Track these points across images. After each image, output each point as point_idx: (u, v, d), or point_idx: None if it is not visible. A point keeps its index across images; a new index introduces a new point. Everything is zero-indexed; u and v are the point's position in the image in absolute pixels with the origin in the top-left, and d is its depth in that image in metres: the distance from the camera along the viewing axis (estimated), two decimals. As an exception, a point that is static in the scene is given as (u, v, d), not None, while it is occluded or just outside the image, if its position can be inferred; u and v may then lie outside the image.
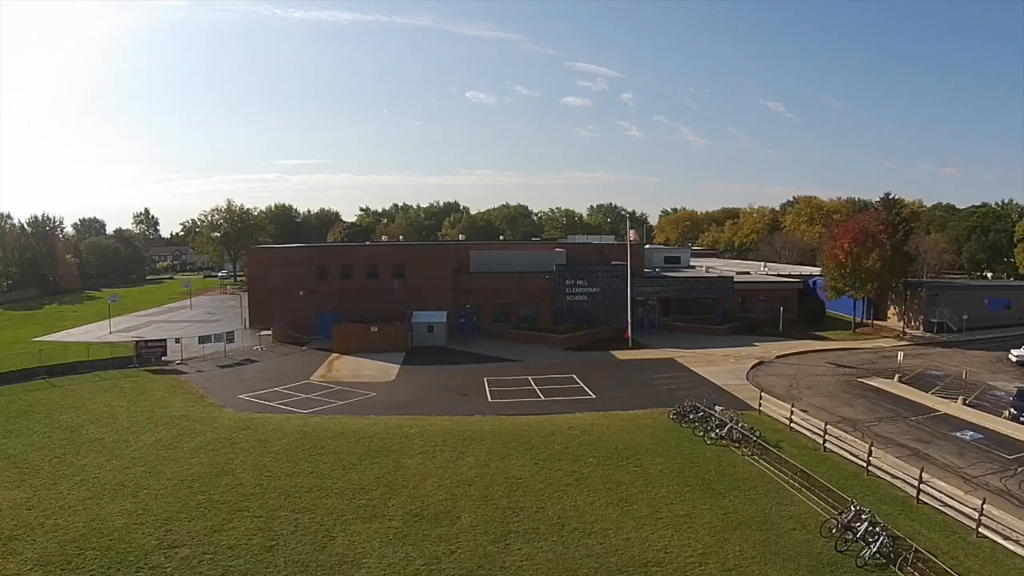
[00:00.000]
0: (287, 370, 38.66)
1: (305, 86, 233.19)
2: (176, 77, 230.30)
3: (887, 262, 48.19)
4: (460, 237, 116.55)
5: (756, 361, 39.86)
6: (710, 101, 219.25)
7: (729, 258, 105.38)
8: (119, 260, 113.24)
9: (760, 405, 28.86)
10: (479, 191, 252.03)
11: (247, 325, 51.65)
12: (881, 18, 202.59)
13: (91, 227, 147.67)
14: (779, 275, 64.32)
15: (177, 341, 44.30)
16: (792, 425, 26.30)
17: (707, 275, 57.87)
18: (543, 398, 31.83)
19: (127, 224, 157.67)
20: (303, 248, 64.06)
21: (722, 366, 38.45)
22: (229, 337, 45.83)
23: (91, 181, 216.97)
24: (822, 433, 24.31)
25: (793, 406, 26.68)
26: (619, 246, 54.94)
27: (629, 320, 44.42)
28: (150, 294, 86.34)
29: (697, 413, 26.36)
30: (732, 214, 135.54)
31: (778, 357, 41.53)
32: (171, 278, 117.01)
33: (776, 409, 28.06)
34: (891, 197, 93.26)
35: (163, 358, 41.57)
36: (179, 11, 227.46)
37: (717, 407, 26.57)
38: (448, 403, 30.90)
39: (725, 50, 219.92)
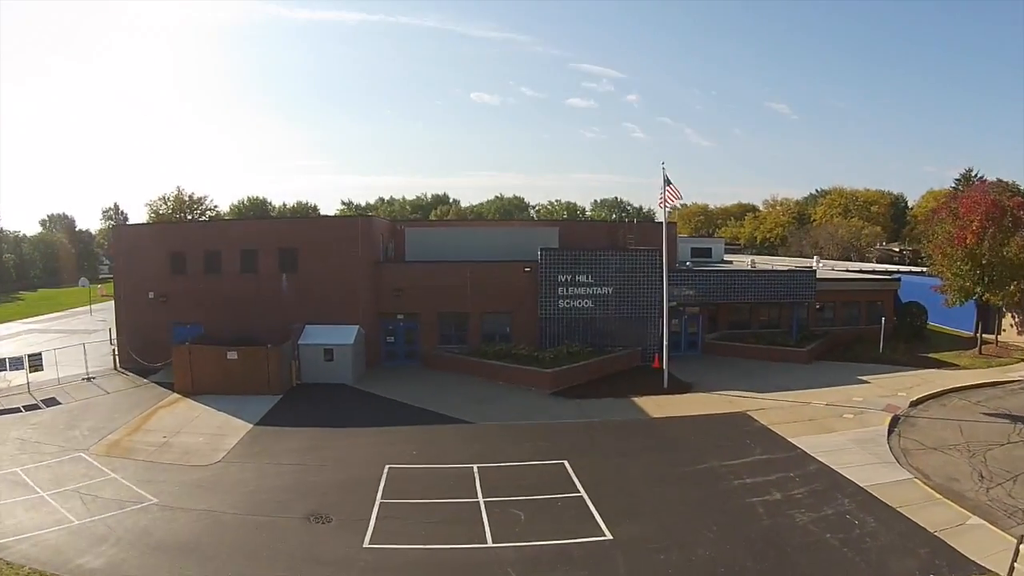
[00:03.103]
0: (79, 425, 22.83)
1: (306, 87, 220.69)
2: (174, 77, 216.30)
3: (1035, 250, 32.00)
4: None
5: (888, 415, 22.84)
6: (715, 103, 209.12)
7: (754, 254, 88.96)
8: (67, 258, 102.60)
9: (1013, 570, 11.92)
10: (481, 192, 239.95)
11: (113, 340, 36.13)
12: (883, 20, 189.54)
13: (59, 223, 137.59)
14: (848, 271, 47.67)
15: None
16: None
17: (778, 269, 38.88)
18: (491, 543, 13.82)
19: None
20: (150, 227, 46.96)
21: (838, 431, 21.22)
22: (33, 363, 29.53)
23: (92, 182, 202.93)
24: None
25: None
26: (641, 225, 37.82)
27: (666, 340, 27.33)
28: (75, 296, 71.25)
29: None
30: (749, 208, 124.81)
31: (913, 404, 24.59)
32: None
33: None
34: (972, 174, 78.00)
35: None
36: (180, 11, 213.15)
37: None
38: (273, 552, 13.81)
39: (730, 52, 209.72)
